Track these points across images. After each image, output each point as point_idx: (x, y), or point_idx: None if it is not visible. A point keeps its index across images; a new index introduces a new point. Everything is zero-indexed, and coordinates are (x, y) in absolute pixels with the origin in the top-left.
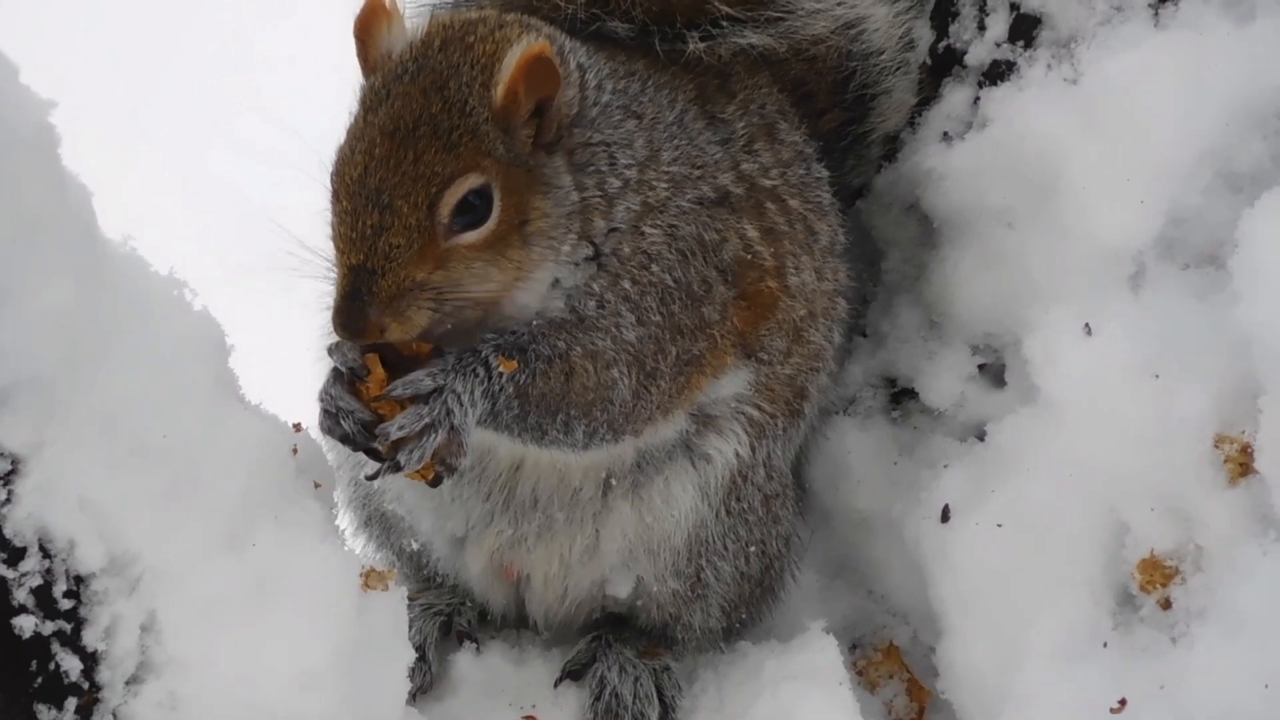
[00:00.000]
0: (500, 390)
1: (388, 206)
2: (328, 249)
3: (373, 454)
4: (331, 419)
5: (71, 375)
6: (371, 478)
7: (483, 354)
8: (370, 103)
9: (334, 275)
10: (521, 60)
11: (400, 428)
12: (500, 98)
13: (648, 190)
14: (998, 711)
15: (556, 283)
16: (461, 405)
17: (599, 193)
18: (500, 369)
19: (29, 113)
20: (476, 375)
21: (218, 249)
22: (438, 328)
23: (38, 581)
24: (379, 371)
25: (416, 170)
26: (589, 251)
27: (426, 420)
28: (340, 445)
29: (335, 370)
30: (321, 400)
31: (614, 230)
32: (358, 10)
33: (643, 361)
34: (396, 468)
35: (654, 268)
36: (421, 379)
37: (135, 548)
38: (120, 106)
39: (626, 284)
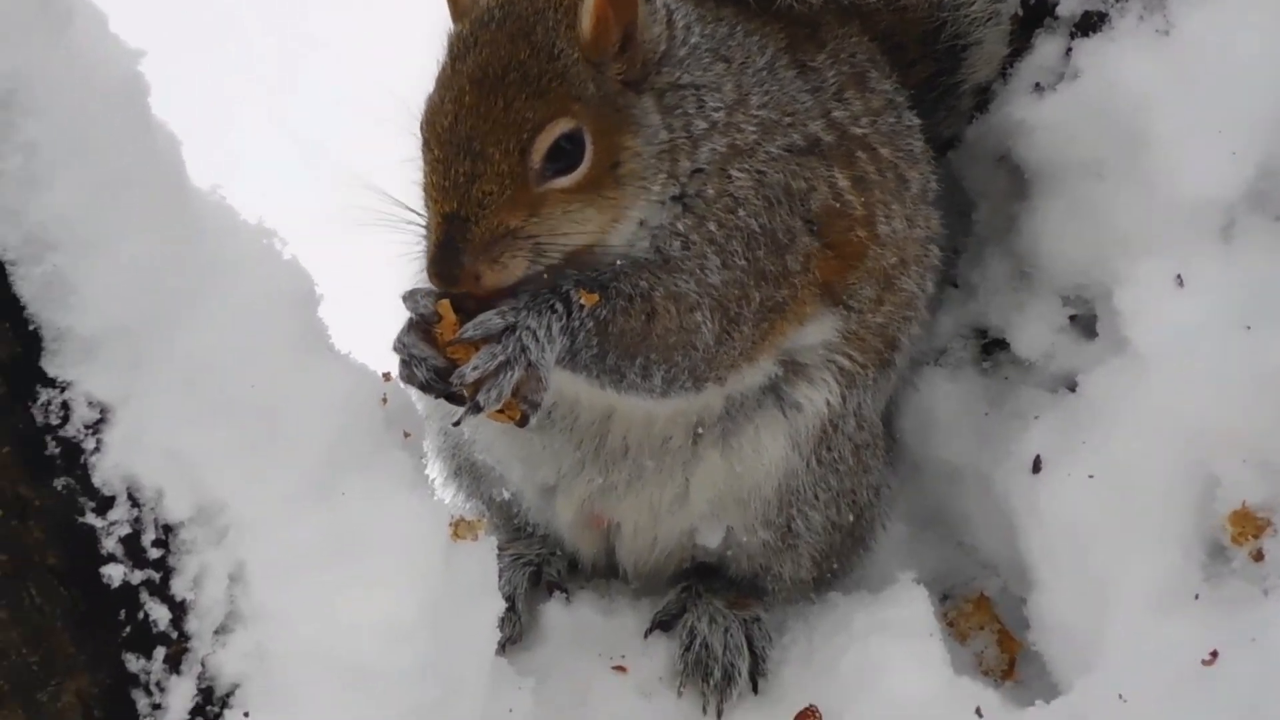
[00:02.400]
0: (580, 326)
1: (479, 154)
2: (417, 199)
3: (454, 399)
4: (407, 367)
5: (160, 325)
6: (456, 423)
7: (563, 289)
8: (458, 51)
9: (424, 225)
10: None
11: (475, 368)
12: (589, 26)
13: (735, 133)
14: (1089, 663)
15: (643, 223)
16: (537, 341)
17: (685, 134)
18: (581, 301)
19: (118, 62)
20: (554, 310)
21: (307, 198)
22: (532, 274)
23: (126, 530)
24: (450, 317)
25: (507, 117)
26: (675, 191)
27: (501, 358)
28: (422, 393)
29: (409, 318)
30: (396, 349)
31: (699, 171)
32: None
33: (726, 306)
34: (477, 409)
35: (740, 211)
36: (492, 318)
37: (223, 497)
38: (210, 55)
39: (712, 226)
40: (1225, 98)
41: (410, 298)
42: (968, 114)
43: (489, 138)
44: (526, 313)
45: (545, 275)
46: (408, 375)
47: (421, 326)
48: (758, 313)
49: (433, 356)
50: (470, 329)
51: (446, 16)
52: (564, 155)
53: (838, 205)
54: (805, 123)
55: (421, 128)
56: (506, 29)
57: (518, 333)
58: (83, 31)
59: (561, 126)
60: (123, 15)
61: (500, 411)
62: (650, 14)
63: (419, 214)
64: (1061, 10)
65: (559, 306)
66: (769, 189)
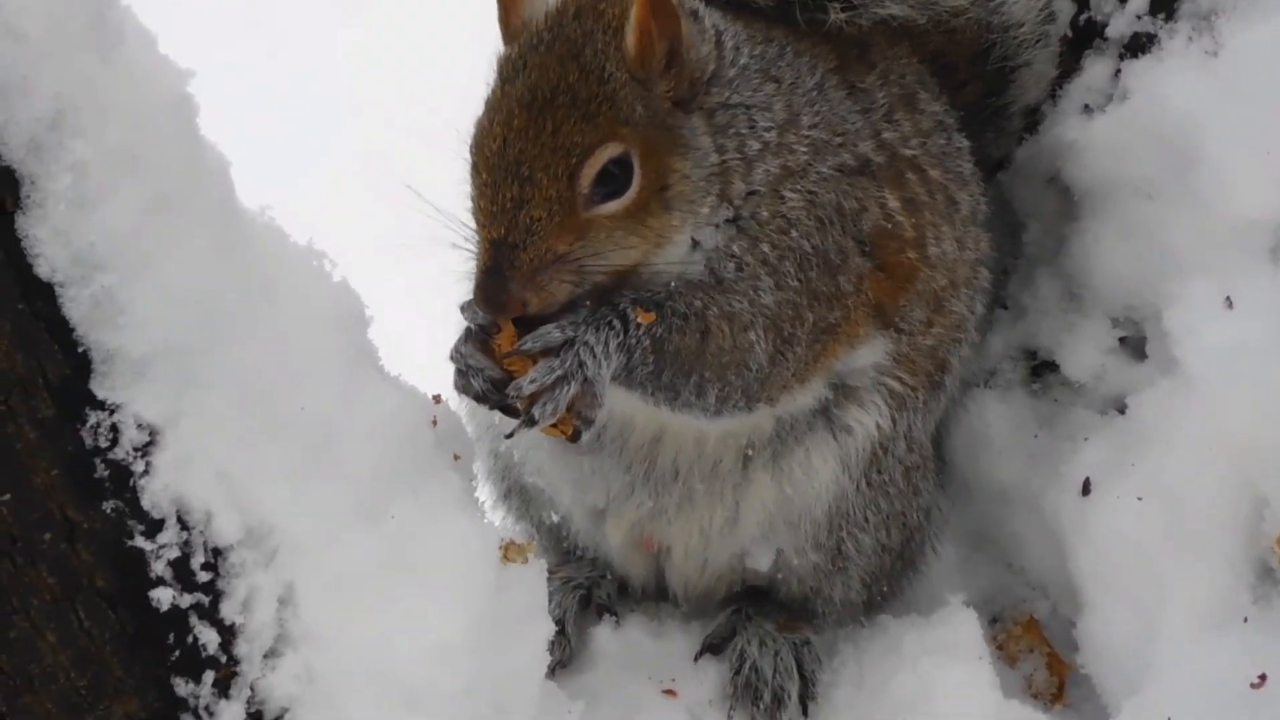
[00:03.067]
0: (636, 343)
1: (528, 179)
2: (466, 218)
3: (508, 410)
4: (464, 377)
5: (209, 346)
6: (509, 435)
7: (620, 307)
8: (507, 73)
9: (474, 246)
10: None
11: (532, 381)
12: (634, 40)
13: (787, 154)
14: (1138, 685)
15: (696, 245)
16: (594, 357)
17: (738, 155)
18: (638, 319)
19: (167, 82)
20: (612, 327)
21: (358, 220)
22: (576, 298)
23: (175, 554)
24: (509, 328)
25: (555, 141)
26: (729, 214)
27: (559, 372)
28: (476, 406)
29: (466, 329)
30: (453, 359)
31: (753, 193)
32: None
33: (780, 327)
34: (531, 422)
35: (793, 233)
36: (551, 332)
37: (272, 519)
38: (258, 76)
39: (765, 247)
40: (1274, 118)
41: (469, 308)
42: (1017, 135)
43: (537, 162)
44: (585, 328)
45: (589, 297)
46: (463, 385)
47: (479, 337)
48: (811, 333)
49: (489, 367)
50: (529, 341)
51: (498, 38)
52: (612, 180)
53: (889, 226)
54: (856, 143)
55: (470, 151)
56: (555, 51)
57: (575, 347)
58: (132, 52)
59: (610, 151)
60: (172, 35)
61: (554, 426)
62: (698, 33)
63: (469, 231)
64: (1110, 32)
65: (616, 323)
66: (821, 209)
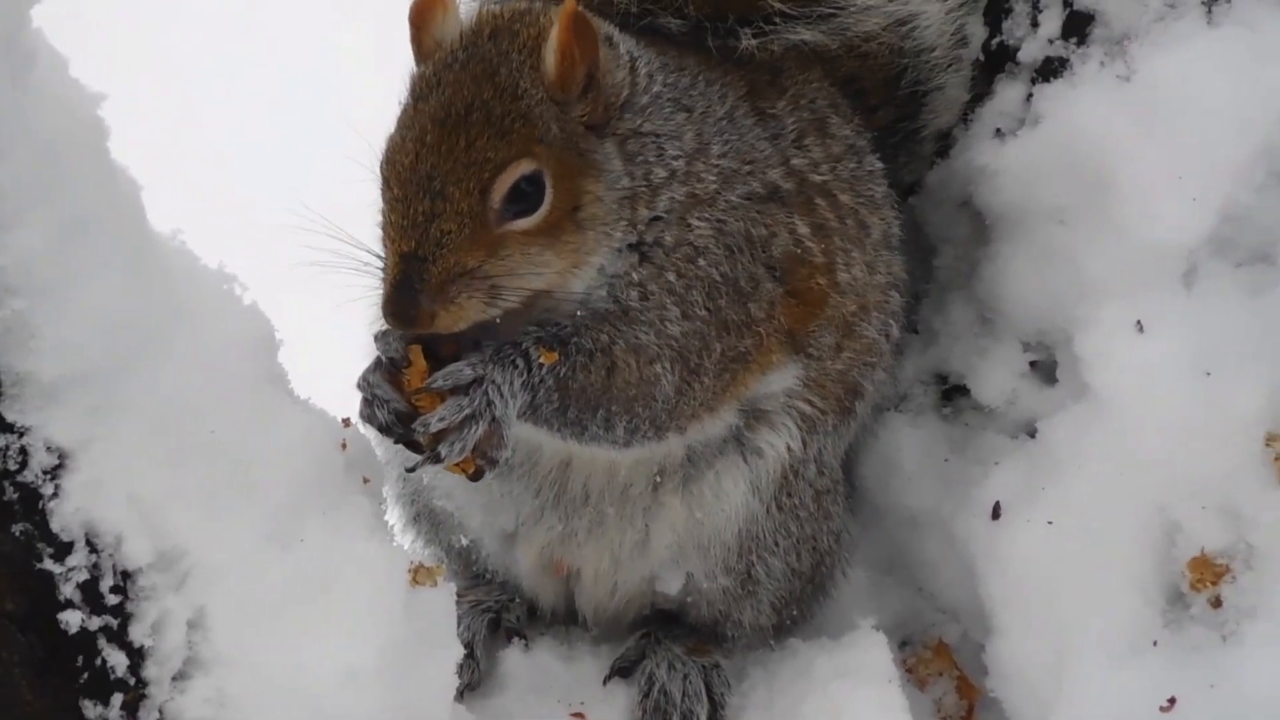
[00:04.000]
0: (540, 382)
1: (439, 193)
2: (377, 240)
3: (412, 445)
4: (369, 407)
5: (121, 371)
6: (411, 469)
7: (523, 345)
8: (421, 91)
9: (383, 265)
10: (564, 18)
11: (441, 419)
12: (554, 62)
13: (695, 182)
14: (1048, 710)
15: (601, 269)
16: (502, 396)
17: (645, 182)
18: (540, 360)
19: (79, 106)
20: (516, 366)
21: (266, 243)
22: (488, 317)
23: (84, 576)
24: (421, 364)
25: (469, 156)
26: (633, 238)
27: (467, 411)
28: (380, 435)
29: (377, 358)
30: (360, 387)
31: (656, 219)
32: None
33: (687, 357)
34: (437, 459)
35: (700, 261)
36: (462, 369)
37: (183, 543)
38: (168, 99)
39: (671, 276)
40: (1186, 143)
41: (382, 338)
42: (929, 159)
43: (450, 176)
44: (494, 366)
45: (500, 320)
46: (369, 415)
47: (389, 369)
48: (719, 363)
49: (396, 400)
50: (440, 379)
51: (409, 58)
52: (524, 197)
53: (798, 252)
54: (765, 170)
55: (382, 167)
56: (470, 69)
57: (484, 385)
58: (44, 75)
59: (523, 168)
60: (83, 59)
61: (457, 464)
62: (614, 59)
63: (377, 255)
64: (1023, 56)
65: (520, 362)
66: (729, 237)
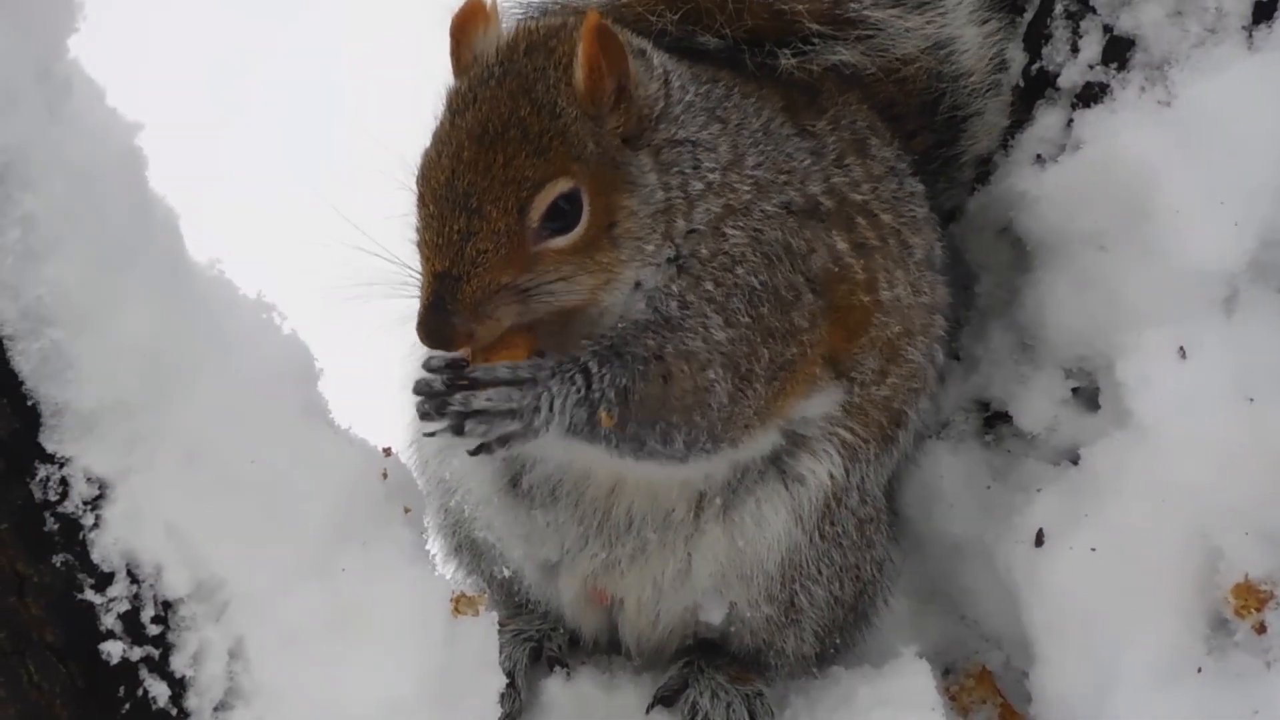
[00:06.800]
0: (601, 397)
1: (476, 211)
2: (413, 257)
3: (440, 406)
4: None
5: (158, 400)
6: (430, 434)
7: (582, 361)
8: (457, 106)
9: (418, 282)
10: (588, 31)
11: (488, 399)
12: (583, 75)
13: (729, 193)
14: None
15: (638, 285)
16: (551, 410)
17: (681, 193)
18: (599, 417)
19: (116, 135)
20: (574, 383)
21: (306, 270)
22: (521, 322)
23: (125, 607)
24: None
25: (506, 174)
26: (670, 253)
27: (513, 406)
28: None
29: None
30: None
31: (693, 231)
32: (456, 10)
33: (736, 363)
34: (459, 431)
35: (738, 270)
36: (525, 368)
37: (222, 573)
38: (206, 127)
39: (709, 285)
40: (1227, 168)
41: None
42: (969, 185)
43: (487, 194)
44: (553, 377)
45: (531, 325)
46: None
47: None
48: (768, 370)
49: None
50: (503, 368)
51: (445, 72)
52: (562, 215)
53: (837, 269)
54: (804, 184)
55: (417, 183)
56: (507, 86)
57: (539, 389)
58: (80, 104)
59: (561, 186)
60: (121, 88)
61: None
62: (646, 70)
63: (415, 272)
64: (1062, 81)
65: (579, 379)
66: (767, 246)
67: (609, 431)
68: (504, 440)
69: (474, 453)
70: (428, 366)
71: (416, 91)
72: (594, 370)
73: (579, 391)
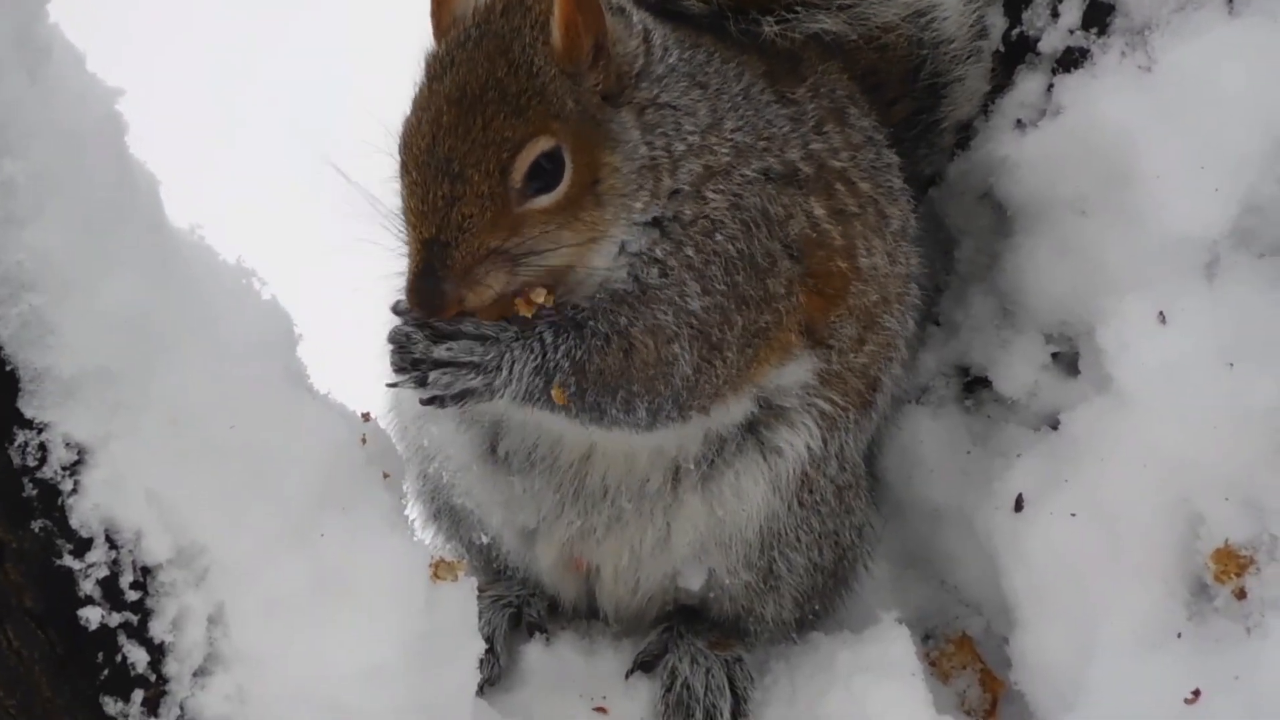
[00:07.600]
0: (555, 367)
1: (459, 176)
2: (396, 222)
3: (405, 357)
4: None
5: (139, 366)
6: (392, 385)
7: (538, 330)
8: (435, 71)
9: (404, 245)
10: None
11: (449, 349)
12: (559, 34)
13: (709, 154)
14: (1071, 702)
15: (623, 246)
16: (511, 371)
17: (665, 153)
18: (552, 392)
19: (96, 101)
20: (531, 351)
21: (287, 235)
22: (512, 288)
23: (104, 573)
24: None
25: (486, 137)
26: (656, 212)
27: (475, 360)
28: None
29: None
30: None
31: (677, 192)
32: None
33: (707, 333)
34: (422, 383)
35: (718, 235)
36: (491, 327)
37: (203, 539)
38: (186, 93)
39: (690, 251)
40: (1208, 134)
41: (400, 308)
42: (949, 151)
43: (468, 159)
44: (515, 339)
45: (522, 291)
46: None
47: None
48: (740, 338)
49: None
50: (470, 323)
51: (428, 37)
52: (544, 174)
53: (815, 235)
54: (783, 149)
55: (399, 150)
56: (484, 47)
57: (502, 347)
58: (60, 70)
59: (542, 145)
60: (100, 53)
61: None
62: (625, 27)
63: (401, 225)
64: (1043, 46)
65: (535, 347)
66: (745, 212)
67: (569, 400)
68: (461, 396)
69: (426, 403)
70: (395, 310)
71: (398, 55)
72: (548, 340)
73: (536, 359)
